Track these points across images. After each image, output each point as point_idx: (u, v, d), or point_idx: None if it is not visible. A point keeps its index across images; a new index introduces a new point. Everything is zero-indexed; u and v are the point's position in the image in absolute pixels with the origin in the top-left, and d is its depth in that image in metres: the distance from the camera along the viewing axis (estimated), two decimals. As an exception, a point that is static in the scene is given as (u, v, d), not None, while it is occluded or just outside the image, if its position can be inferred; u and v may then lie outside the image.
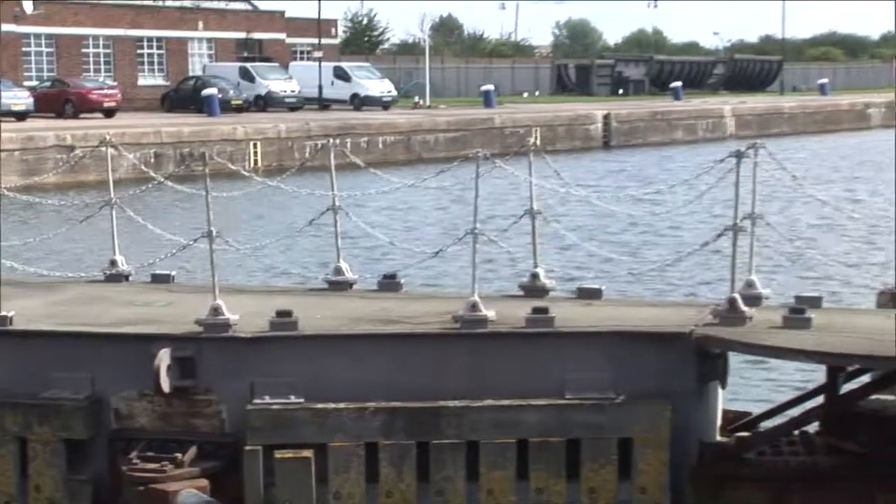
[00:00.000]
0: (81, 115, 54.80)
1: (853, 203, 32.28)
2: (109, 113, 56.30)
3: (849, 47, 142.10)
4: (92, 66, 66.18)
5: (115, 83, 61.68)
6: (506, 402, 10.14)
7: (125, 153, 17.16)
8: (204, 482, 10.07)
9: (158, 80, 68.80)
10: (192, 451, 10.25)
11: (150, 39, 69.86)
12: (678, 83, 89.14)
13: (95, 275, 13.36)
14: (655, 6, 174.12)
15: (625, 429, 10.06)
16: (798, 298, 11.13)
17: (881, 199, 36.88)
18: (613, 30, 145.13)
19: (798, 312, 10.46)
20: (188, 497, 9.89)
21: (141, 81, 68.27)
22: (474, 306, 10.62)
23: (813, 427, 11.08)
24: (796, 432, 11.00)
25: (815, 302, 11.09)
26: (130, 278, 13.30)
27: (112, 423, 10.61)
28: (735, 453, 10.74)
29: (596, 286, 12.23)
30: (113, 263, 13.18)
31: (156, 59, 70.12)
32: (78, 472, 10.49)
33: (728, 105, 75.90)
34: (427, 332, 10.72)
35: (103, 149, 13.49)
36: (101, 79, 63.14)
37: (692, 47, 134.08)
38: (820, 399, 11.23)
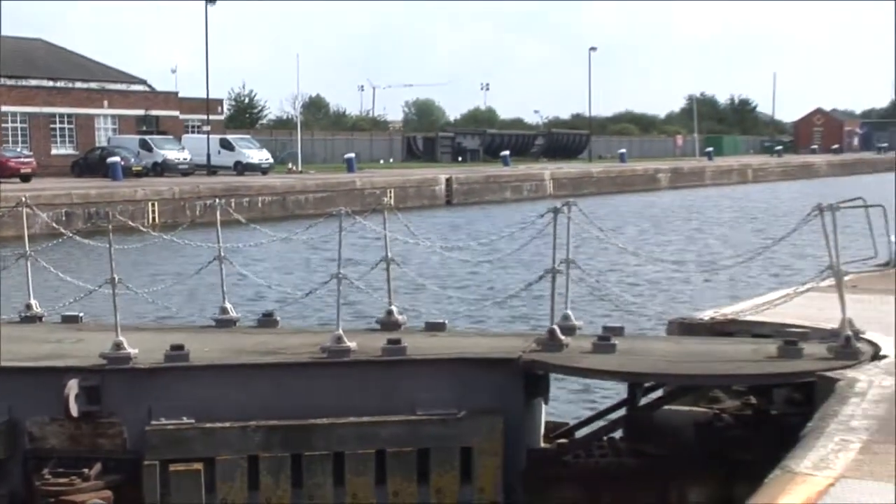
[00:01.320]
0: (1, 180, 53.52)
1: (648, 249, 32.83)
2: (26, 178, 55.01)
3: (642, 124, 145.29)
4: (10, 138, 64.78)
5: (31, 153, 60.35)
6: (366, 419, 10.08)
7: (39, 212, 16.65)
8: (108, 493, 9.84)
9: (69, 150, 67.58)
10: (98, 466, 10.00)
11: (62, 116, 68.75)
12: (507, 152, 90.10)
13: (12, 317, 12.99)
14: (487, 89, 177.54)
15: (466, 439, 10.06)
16: (604, 328, 11.26)
17: (671, 246, 37.77)
18: (453, 108, 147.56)
19: (604, 340, 10.59)
20: (94, 506, 9.67)
21: (54, 151, 66.98)
22: (339, 339, 10.57)
23: (618, 434, 11.19)
24: (605, 438, 11.12)
25: (618, 331, 11.24)
26: (44, 319, 13.00)
27: (26, 444, 10.28)
28: (556, 457, 10.82)
29: (440, 321, 12.25)
30: (28, 307, 12.89)
31: (67, 133, 68.95)
32: (-3, 488, 10.15)
33: (547, 170, 76.92)
34: (299, 361, 10.62)
35: (20, 208, 13.22)
36: (18, 149, 61.74)
37: (517, 122, 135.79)
38: (623, 410, 11.38)
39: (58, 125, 68.82)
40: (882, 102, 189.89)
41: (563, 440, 11.48)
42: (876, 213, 10.14)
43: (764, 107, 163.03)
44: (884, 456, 6.58)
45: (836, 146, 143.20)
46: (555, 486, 10.35)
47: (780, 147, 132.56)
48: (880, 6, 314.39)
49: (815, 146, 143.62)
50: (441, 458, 10.03)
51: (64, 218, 39.09)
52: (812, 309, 11.31)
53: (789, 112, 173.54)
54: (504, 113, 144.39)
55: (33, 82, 68.54)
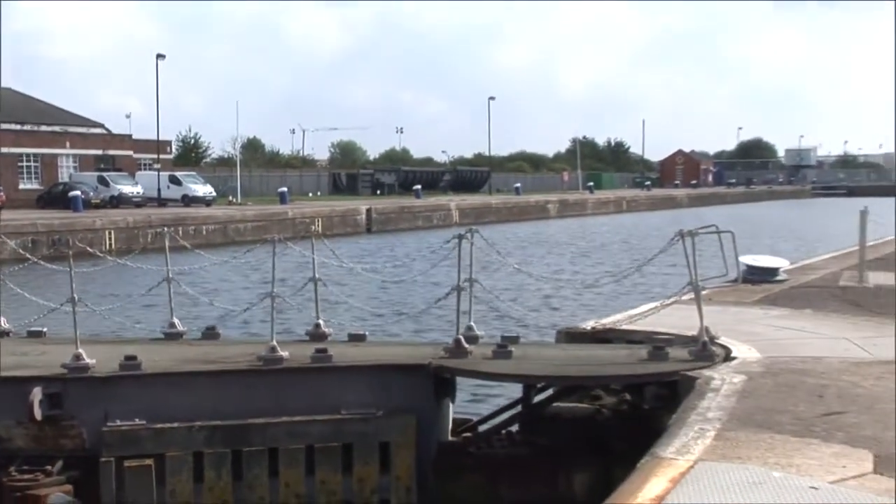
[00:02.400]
0: (-26, 213, 52.25)
1: (539, 269, 33.06)
2: (-5, 210, 53.77)
3: (533, 162, 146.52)
4: (-20, 176, 63.44)
5: (1, 188, 58.89)
6: (297, 419, 9.98)
7: (7, 240, 16.29)
8: (69, 488, 9.63)
9: (35, 185, 66.17)
10: (60, 464, 9.78)
11: (28, 155, 67.32)
12: (418, 186, 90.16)
13: (-17, 333, 12.65)
14: (401, 132, 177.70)
15: (384, 435, 10.01)
16: (502, 337, 11.29)
17: (559, 266, 38.07)
18: (372, 148, 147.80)
19: (503, 347, 10.62)
20: (56, 500, 9.46)
21: (21, 186, 65.48)
22: (273, 349, 10.48)
23: (515, 428, 11.22)
24: (503, 432, 11.14)
25: (514, 340, 11.28)
26: (11, 334, 12.75)
27: (-4, 444, 10.02)
28: (462, 449, 10.82)
29: (362, 332, 12.21)
30: (-3, 323, 12.61)
31: (33, 170, 67.47)
32: (-33, 484, 9.85)
33: (453, 202, 77.14)
34: (238, 368, 10.49)
35: (-10, 237, 12.94)
36: (-12, 184, 60.34)
37: (428, 161, 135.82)
38: (519, 408, 11.42)
39: (25, 163, 67.45)
40: (730, 146, 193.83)
41: (468, 434, 11.48)
42: (727, 238, 10.32)
43: (635, 148, 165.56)
44: (734, 441, 6.69)
45: (694, 181, 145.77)
46: (461, 474, 10.35)
47: (648, 182, 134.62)
48: (725, 75, 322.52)
49: (677, 181, 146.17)
50: (362, 452, 9.97)
51: (30, 245, 38.16)
52: (676, 318, 11.47)
53: (656, 153, 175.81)
54: (416, 153, 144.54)
55: (3, 126, 66.84)
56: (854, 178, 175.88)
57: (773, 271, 16.96)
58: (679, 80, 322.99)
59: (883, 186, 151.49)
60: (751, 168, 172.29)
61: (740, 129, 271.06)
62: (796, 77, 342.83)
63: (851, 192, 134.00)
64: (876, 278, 17.08)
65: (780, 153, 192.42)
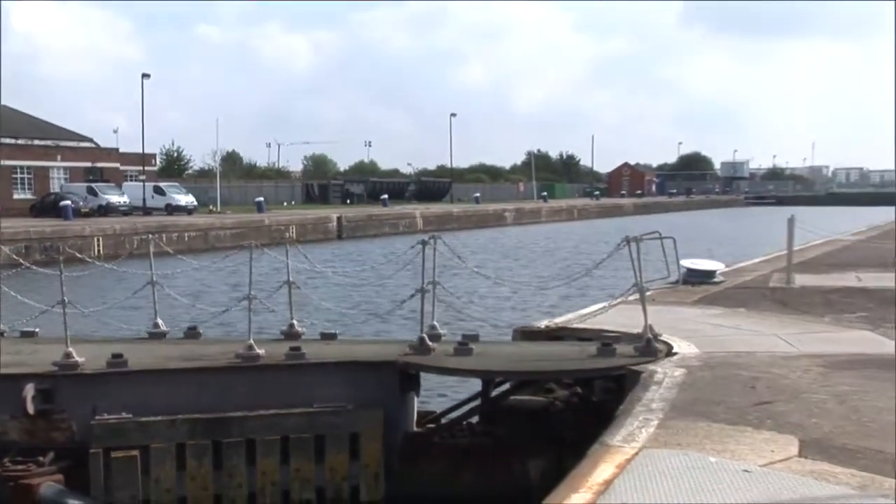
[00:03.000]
0: (-30, 222, 51.46)
1: (497, 272, 33.09)
2: (-9, 218, 53.01)
3: (492, 174, 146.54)
4: (-23, 187, 62.61)
5: (-4, 198, 58.37)
6: (273, 412, 9.93)
7: (2, 246, 16.06)
8: (60, 477, 9.53)
9: (28, 195, 65.28)
10: (51, 455, 9.66)
11: (22, 168, 66.50)
12: (385, 196, 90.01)
13: (-22, 333, 12.47)
14: (370, 146, 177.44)
15: (354, 427, 9.99)
16: (463, 336, 11.28)
17: (515, 269, 38.17)
18: (343, 161, 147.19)
19: (463, 345, 10.64)
20: (48, 488, 9.36)
21: (16, 196, 64.57)
22: (250, 347, 10.43)
23: (475, 419, 11.22)
24: (464, 423, 11.14)
25: (474, 338, 11.26)
26: (5, 334, 12.54)
27: (-10, 437, 9.89)
28: (426, 439, 10.81)
29: (333, 331, 12.18)
30: (-8, 324, 12.45)
31: (26, 181, 66.59)
32: (-36, 475, 9.70)
33: (418, 210, 77.08)
34: (218, 365, 10.43)
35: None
36: (-15, 195, 59.59)
37: (394, 172, 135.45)
38: (478, 401, 11.42)
39: (19, 175, 66.68)
40: (671, 159, 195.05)
41: (431, 425, 11.46)
42: (668, 244, 10.39)
43: (585, 161, 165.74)
44: (675, 429, 6.74)
45: (639, 192, 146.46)
46: (425, 463, 10.33)
47: (597, 192, 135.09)
48: (665, 95, 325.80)
49: (624, 192, 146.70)
50: (334, 443, 9.93)
51: (24, 251, 37.57)
52: (622, 317, 11.54)
53: (604, 165, 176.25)
54: (383, 165, 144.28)
55: (-1, 140, 66.56)
56: (782, 188, 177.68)
57: (710, 274, 17.11)
58: (624, 98, 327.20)
59: (807, 196, 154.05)
60: (690, 179, 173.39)
61: (680, 143, 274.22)
62: (729, 97, 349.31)
63: (780, 202, 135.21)
64: (802, 280, 17.29)
65: (717, 166, 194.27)
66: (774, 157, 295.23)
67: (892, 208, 53.65)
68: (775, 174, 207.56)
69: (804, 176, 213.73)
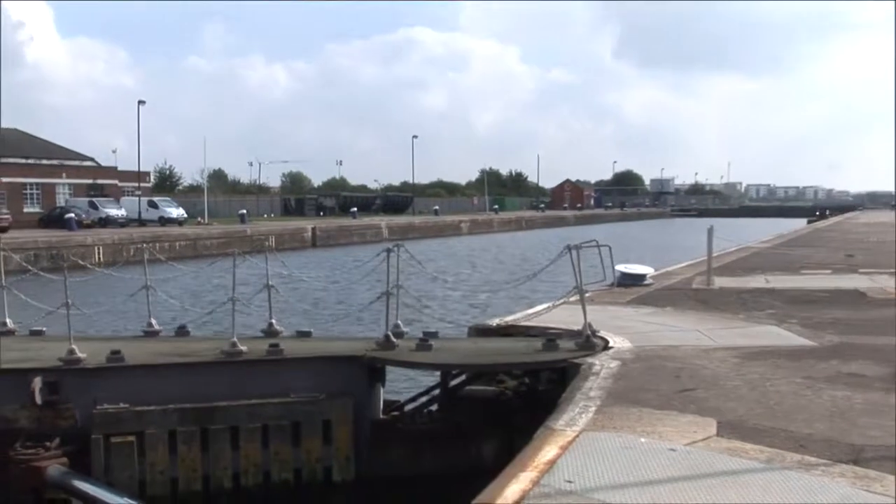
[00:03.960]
0: (-14, 232, 50.59)
1: (453, 276, 33.10)
2: (4, 230, 51.80)
3: (449, 189, 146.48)
4: (-8, 201, 61.69)
5: (8, 211, 57.05)
6: (254, 402, 9.85)
7: (13, 255, 15.79)
8: (65, 460, 9.39)
9: (37, 209, 64.47)
10: (57, 440, 9.52)
11: (31, 184, 65.65)
12: (355, 209, 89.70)
13: (-9, 332, 12.26)
14: (341, 164, 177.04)
15: (327, 414, 9.93)
16: (424, 333, 11.25)
17: (469, 274, 38.21)
18: (317, 177, 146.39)
19: (424, 341, 10.62)
20: (54, 470, 9.23)
21: (25, 210, 63.65)
22: (234, 344, 10.36)
23: (434, 407, 11.23)
24: (425, 411, 11.14)
25: (434, 335, 11.26)
26: (16, 333, 12.40)
27: (2, 424, 9.69)
28: (391, 425, 10.76)
29: (308, 330, 12.12)
30: (3, 324, 12.34)
31: (35, 196, 65.71)
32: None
33: (384, 221, 76.94)
34: (205, 360, 10.34)
35: (-1, 252, 12.60)
36: (-1, 209, 58.70)
37: (363, 188, 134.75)
38: (438, 391, 11.41)
39: (28, 191, 65.96)
40: (607, 176, 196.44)
41: (396, 413, 11.40)
42: (605, 251, 10.47)
43: (532, 177, 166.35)
44: (610, 415, 6.79)
45: (579, 205, 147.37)
46: (391, 446, 10.30)
47: (543, 205, 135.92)
48: (603, 120, 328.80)
49: (566, 205, 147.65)
50: (309, 429, 9.87)
51: (32, 258, 36.89)
52: (564, 316, 11.60)
53: (549, 181, 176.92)
54: (353, 181, 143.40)
55: (10, 160, 65.85)
56: (703, 202, 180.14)
57: (641, 277, 17.26)
58: (567, 122, 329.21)
59: (724, 209, 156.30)
60: (624, 194, 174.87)
61: (615, 162, 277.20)
62: (658, 122, 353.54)
63: (701, 214, 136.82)
64: (720, 282, 17.50)
65: (647, 182, 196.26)
66: (696, 174, 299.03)
67: (796, 219, 54.47)
68: (697, 189, 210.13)
69: (721, 191, 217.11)
